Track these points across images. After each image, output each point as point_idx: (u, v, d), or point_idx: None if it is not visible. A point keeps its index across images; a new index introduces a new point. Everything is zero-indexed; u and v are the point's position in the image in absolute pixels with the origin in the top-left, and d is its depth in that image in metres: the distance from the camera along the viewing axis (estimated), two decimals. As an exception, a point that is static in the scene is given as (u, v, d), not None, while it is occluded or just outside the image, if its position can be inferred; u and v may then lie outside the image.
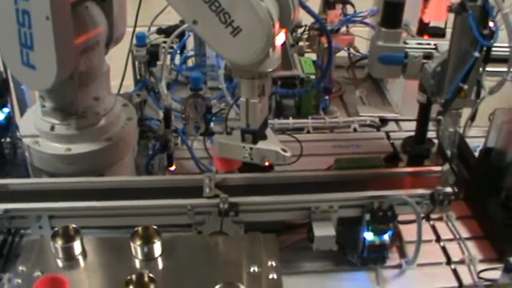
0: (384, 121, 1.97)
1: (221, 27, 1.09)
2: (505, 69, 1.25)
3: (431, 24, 1.82)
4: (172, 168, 1.62)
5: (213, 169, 1.63)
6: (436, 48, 1.33)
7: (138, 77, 2.00)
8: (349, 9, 1.94)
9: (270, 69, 1.17)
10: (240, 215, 1.30)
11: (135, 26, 2.18)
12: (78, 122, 1.39)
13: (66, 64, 1.27)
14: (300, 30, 2.08)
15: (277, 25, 1.10)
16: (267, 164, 1.31)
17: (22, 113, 2.03)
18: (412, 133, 1.81)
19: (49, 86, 1.28)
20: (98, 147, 1.40)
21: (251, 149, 1.27)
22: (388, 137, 1.90)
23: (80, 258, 1.10)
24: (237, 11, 1.08)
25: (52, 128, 1.40)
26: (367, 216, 1.33)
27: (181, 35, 2.03)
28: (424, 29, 1.80)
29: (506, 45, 1.23)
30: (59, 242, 1.09)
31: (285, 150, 1.27)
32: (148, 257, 1.09)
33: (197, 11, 1.10)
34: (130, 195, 1.33)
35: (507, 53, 1.24)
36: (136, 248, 1.08)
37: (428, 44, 1.35)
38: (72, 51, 1.29)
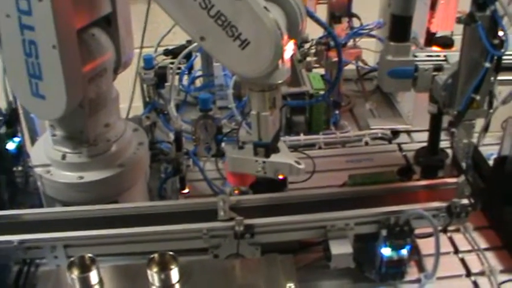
0: (395, 133, 1.96)
1: (229, 41, 1.08)
2: (515, 77, 1.24)
3: (438, 34, 1.81)
4: (186, 190, 1.61)
5: (226, 191, 1.62)
6: (446, 60, 1.32)
7: (147, 99, 2.00)
8: (356, 22, 1.93)
9: (280, 81, 1.15)
10: (255, 236, 1.29)
11: (141, 48, 2.18)
12: (90, 150, 1.39)
13: (75, 92, 1.27)
14: (307, 46, 2.08)
15: (285, 36, 1.09)
16: (280, 177, 1.30)
17: (33, 141, 2.03)
18: (425, 144, 1.80)
19: (59, 115, 1.28)
20: (110, 174, 1.39)
21: (264, 162, 1.25)
22: (401, 149, 1.89)
23: (97, 287, 1.09)
24: (244, 23, 1.06)
25: (63, 157, 1.39)
26: (384, 232, 1.32)
27: (188, 56, 2.02)
28: (431, 39, 1.79)
29: (517, 53, 1.22)
30: (76, 273, 1.08)
31: (298, 163, 1.25)
32: (166, 284, 1.07)
33: (204, 27, 1.09)
34: (145, 221, 1.32)
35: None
36: (153, 275, 1.07)
37: (438, 55, 1.34)
38: (80, 79, 1.29)
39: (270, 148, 1.24)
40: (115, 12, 1.39)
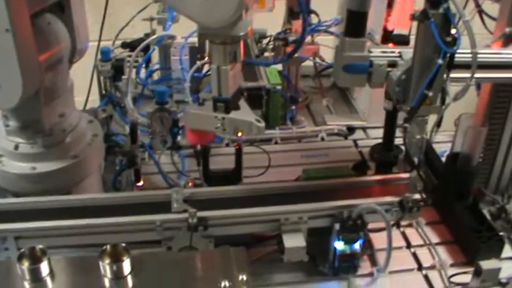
0: (351, 129, 1.98)
1: None
2: (468, 75, 1.25)
3: (395, 32, 1.83)
4: (140, 183, 1.60)
5: (180, 184, 1.62)
6: (400, 56, 1.33)
7: (104, 92, 1.98)
8: (314, 19, 1.93)
9: (242, 33, 1.13)
10: (209, 229, 1.29)
11: (99, 41, 2.16)
12: (45, 140, 1.36)
13: (31, 80, 1.24)
14: (265, 41, 2.08)
15: None
16: (239, 134, 1.27)
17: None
18: (380, 140, 1.82)
19: (14, 105, 1.24)
20: (63, 165, 1.37)
21: (223, 118, 1.23)
22: (356, 145, 1.91)
23: (48, 279, 1.07)
24: None
25: (16, 147, 1.37)
26: (337, 226, 1.33)
27: (146, 49, 2.00)
28: (388, 37, 1.80)
29: (469, 51, 1.24)
30: (26, 264, 1.06)
31: (259, 121, 1.24)
32: (118, 276, 1.06)
33: None
34: (98, 212, 1.30)
35: (470, 59, 1.24)
36: (105, 266, 1.06)
37: (393, 52, 1.35)
38: (37, 66, 1.26)
39: (230, 104, 1.23)
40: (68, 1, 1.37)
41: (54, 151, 1.38)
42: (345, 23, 1.31)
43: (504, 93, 1.52)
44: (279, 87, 1.85)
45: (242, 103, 1.28)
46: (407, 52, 1.32)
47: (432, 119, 1.36)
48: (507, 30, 1.44)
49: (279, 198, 1.38)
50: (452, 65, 1.23)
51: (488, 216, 1.55)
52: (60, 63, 1.37)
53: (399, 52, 1.34)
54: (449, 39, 1.19)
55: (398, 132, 1.75)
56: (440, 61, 1.21)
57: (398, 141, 1.79)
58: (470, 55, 1.24)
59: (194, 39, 1.98)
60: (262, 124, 1.24)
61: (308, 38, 1.96)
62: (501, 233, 1.50)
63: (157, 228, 1.27)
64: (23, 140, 1.37)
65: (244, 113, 1.26)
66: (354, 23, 1.29)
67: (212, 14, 1.07)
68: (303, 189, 1.43)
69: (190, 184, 1.49)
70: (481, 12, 1.57)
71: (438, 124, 1.34)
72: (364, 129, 2.00)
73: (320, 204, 1.34)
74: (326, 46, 2.10)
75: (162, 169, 1.65)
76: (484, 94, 1.54)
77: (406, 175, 1.43)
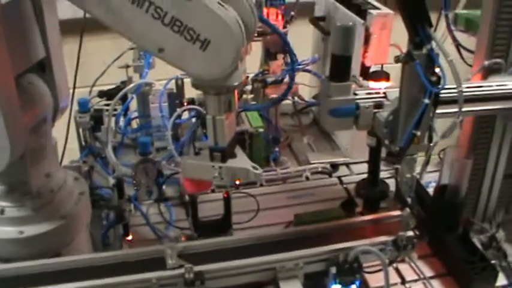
0: (334, 166, 1.98)
1: (189, 45, 1.05)
2: (453, 109, 1.27)
3: (372, 68, 1.85)
4: (129, 237, 1.58)
5: (170, 235, 1.61)
6: (385, 97, 1.35)
7: (84, 143, 1.96)
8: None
9: (236, 83, 1.14)
10: (206, 283, 1.26)
11: (74, 88, 2.15)
12: (34, 202, 1.34)
13: (18, 143, 1.21)
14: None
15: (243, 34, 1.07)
16: (237, 182, 1.29)
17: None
18: (364, 175, 1.83)
19: (1, 169, 1.22)
20: (52, 227, 1.34)
21: (220, 168, 1.24)
22: (341, 182, 1.91)
23: None
24: (201, 23, 1.04)
25: (2, 212, 1.34)
26: (333, 270, 1.32)
27: (123, 97, 1.99)
28: (366, 73, 1.82)
29: (453, 86, 1.25)
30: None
31: (255, 168, 1.24)
32: None
33: (160, 38, 1.06)
34: (92, 273, 1.27)
35: (454, 95, 1.26)
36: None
37: (378, 92, 1.36)
38: (22, 128, 1.23)
39: (227, 153, 1.23)
40: (49, 56, 1.35)
41: (42, 213, 1.34)
42: (329, 67, 1.31)
43: (486, 123, 1.54)
44: (261, 129, 1.85)
45: (238, 150, 1.28)
46: (392, 92, 1.33)
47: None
48: (486, 63, 1.46)
49: (273, 245, 1.37)
50: (437, 103, 1.24)
51: (479, 246, 1.56)
52: (44, 123, 1.35)
53: (384, 93, 1.35)
54: (434, 78, 1.21)
55: (382, 166, 1.76)
56: (426, 100, 1.22)
57: (382, 174, 1.80)
58: (454, 91, 1.26)
59: (172, 86, 1.99)
60: (260, 171, 1.25)
61: (286, 78, 1.97)
62: (494, 262, 1.51)
63: (154, 286, 1.25)
64: (9, 203, 1.34)
65: (241, 161, 1.26)
66: (339, 67, 1.30)
67: (211, 66, 1.07)
68: (296, 235, 1.42)
69: (183, 238, 1.48)
70: (458, 46, 1.60)
71: (427, 162, 1.34)
72: (347, 165, 2.01)
73: (315, 250, 1.33)
74: (304, 84, 2.12)
75: (150, 221, 1.63)
76: (466, 126, 1.56)
77: (397, 213, 1.43)
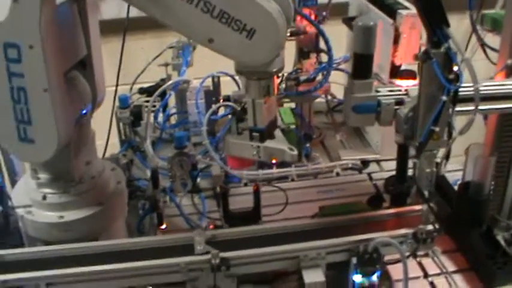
0: (365, 163, 2.02)
1: (236, 34, 1.15)
2: (473, 107, 1.31)
3: (402, 67, 1.89)
4: (163, 226, 1.65)
5: (202, 225, 1.68)
6: (407, 94, 1.39)
7: (124, 137, 2.05)
8: (324, 57, 1.99)
9: (275, 69, 1.25)
10: (231, 269, 1.33)
11: (116, 86, 2.24)
12: (74, 189, 1.43)
13: (64, 134, 1.31)
14: (277, 81, 2.15)
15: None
16: (274, 161, 1.41)
17: (12, 182, 2.07)
18: (393, 172, 1.87)
19: (48, 158, 1.31)
20: (90, 212, 1.43)
21: (258, 147, 1.34)
22: (371, 178, 1.96)
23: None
24: (247, 14, 1.14)
25: (44, 198, 1.43)
26: (354, 260, 1.37)
27: (162, 94, 2.08)
28: (396, 72, 1.86)
29: (471, 84, 1.29)
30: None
31: (292, 149, 1.33)
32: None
33: (210, 29, 1.16)
34: (125, 257, 1.35)
35: (473, 92, 1.30)
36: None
37: (399, 90, 1.41)
38: (69, 120, 1.33)
39: (265, 133, 1.33)
40: (90, 54, 1.44)
41: (81, 199, 1.44)
42: (351, 65, 1.37)
43: (510, 122, 1.57)
44: (293, 126, 1.90)
45: (277, 133, 1.39)
46: (413, 90, 1.38)
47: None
48: (509, 62, 1.49)
49: (297, 235, 1.42)
50: (456, 101, 1.29)
51: (502, 242, 1.59)
52: (85, 116, 1.44)
53: (406, 90, 1.40)
54: (452, 76, 1.25)
55: (410, 164, 1.79)
56: (444, 98, 1.26)
57: (411, 172, 1.84)
58: (472, 89, 1.30)
59: (208, 83, 2.07)
60: (295, 152, 1.33)
61: (319, 76, 2.02)
62: (515, 258, 1.54)
63: (182, 270, 1.32)
64: (54, 190, 1.43)
65: (278, 142, 1.36)
66: (361, 66, 1.36)
67: (255, 54, 1.18)
68: (320, 226, 1.47)
69: (211, 227, 1.55)
70: (483, 45, 1.63)
71: (446, 158, 1.38)
72: (378, 162, 2.05)
73: (336, 240, 1.38)
74: (336, 83, 2.16)
75: (183, 211, 1.70)
76: (491, 124, 1.59)
77: (418, 207, 1.47)
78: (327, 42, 1.60)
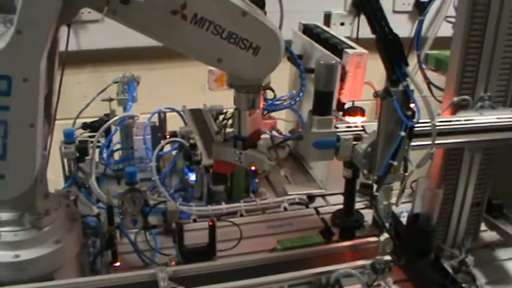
0: (311, 197, 2.06)
1: (243, 52, 1.26)
2: (427, 142, 1.37)
3: (347, 104, 1.95)
4: (117, 264, 1.63)
5: (157, 261, 1.67)
6: (364, 130, 1.45)
7: (68, 173, 2.01)
8: (270, 94, 2.04)
9: (264, 84, 1.42)
10: (197, 304, 1.33)
11: (54, 120, 2.20)
12: (34, 225, 1.40)
13: (37, 168, 1.31)
14: (221, 117, 2.18)
15: None
16: (253, 168, 1.51)
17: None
18: (340, 206, 1.92)
19: (18, 194, 1.30)
20: (47, 251, 1.40)
21: (241, 153, 1.46)
22: (318, 213, 1.99)
23: None
24: (253, 33, 1.25)
25: (-1, 236, 1.39)
26: (316, 292, 1.40)
27: (107, 129, 2.06)
28: (342, 109, 1.92)
29: (426, 121, 1.35)
30: None
31: (270, 160, 1.46)
32: None
33: (219, 50, 1.25)
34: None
35: (428, 128, 1.36)
36: None
37: (357, 126, 1.46)
38: (43, 154, 1.34)
39: (247, 142, 1.46)
40: (51, 89, 1.43)
41: (39, 237, 1.40)
42: (312, 102, 1.41)
43: (455, 155, 1.64)
44: (240, 162, 1.92)
45: (260, 144, 1.51)
46: (370, 125, 1.43)
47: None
48: (455, 99, 1.57)
49: (259, 269, 1.44)
50: (412, 136, 1.34)
51: (450, 270, 1.65)
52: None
53: (362, 126, 1.45)
54: (409, 112, 1.31)
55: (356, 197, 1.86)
56: (402, 133, 1.32)
57: (357, 205, 1.90)
58: (427, 125, 1.36)
59: (154, 118, 2.07)
60: (273, 162, 1.46)
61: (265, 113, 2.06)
62: (464, 285, 1.59)
63: (147, 308, 1.31)
64: (10, 228, 1.38)
65: (259, 151, 1.48)
66: (322, 103, 1.40)
67: (260, 69, 1.32)
68: (280, 259, 1.49)
69: (173, 263, 1.54)
70: (429, 83, 1.71)
71: (402, 191, 1.44)
72: (323, 196, 2.09)
73: (299, 273, 1.41)
74: (281, 119, 2.22)
75: (138, 248, 1.68)
76: (437, 158, 1.65)
77: (374, 239, 1.52)
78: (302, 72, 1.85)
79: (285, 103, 2.04)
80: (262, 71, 1.33)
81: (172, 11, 1.22)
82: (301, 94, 1.98)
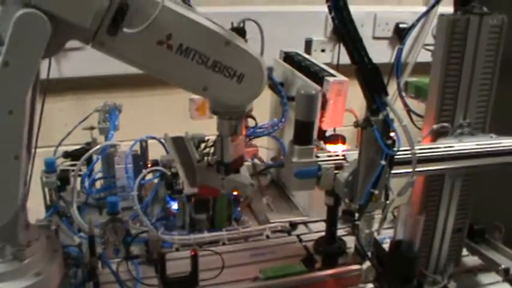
0: (293, 225, 2.05)
1: (227, 81, 1.28)
2: (408, 170, 1.39)
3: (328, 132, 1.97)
4: (99, 295, 1.62)
5: (139, 292, 1.66)
6: (345, 159, 1.45)
7: (49, 203, 2.00)
8: (251, 123, 2.04)
9: (247, 110, 1.43)
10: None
11: (35, 148, 2.19)
12: (20, 255, 1.39)
13: (19, 198, 1.30)
14: (203, 145, 2.17)
15: None
16: (235, 193, 1.62)
17: None
18: (322, 233, 1.92)
19: (1, 225, 1.29)
20: (28, 283, 1.38)
21: (223, 179, 1.49)
22: (300, 240, 1.99)
23: None
24: (237, 61, 1.28)
25: (-21, 269, 1.38)
26: (300, 322, 1.40)
27: (89, 159, 2.05)
28: (323, 137, 1.93)
29: (406, 148, 1.37)
30: None
31: (252, 185, 1.53)
32: None
33: (204, 79, 1.27)
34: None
35: (408, 156, 1.38)
36: None
37: (337, 155, 1.47)
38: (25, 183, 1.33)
39: (230, 167, 1.48)
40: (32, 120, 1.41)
41: (20, 269, 1.39)
42: (293, 132, 1.42)
43: (435, 182, 1.66)
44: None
45: (243, 169, 1.55)
46: (351, 154, 1.44)
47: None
48: (434, 126, 1.58)
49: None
50: (393, 164, 1.35)
51: (433, 297, 1.66)
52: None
53: (343, 155, 1.46)
54: (389, 141, 1.32)
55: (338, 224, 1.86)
56: (383, 162, 1.33)
57: (339, 232, 1.90)
58: (408, 153, 1.38)
59: (137, 148, 2.07)
60: (255, 188, 1.55)
61: (247, 141, 2.07)
62: (446, 311, 1.61)
63: None
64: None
65: (242, 177, 1.52)
66: (302, 132, 1.41)
67: (243, 95, 1.34)
68: (263, 288, 1.49)
69: (154, 293, 1.53)
70: (409, 111, 1.73)
71: (384, 219, 1.44)
72: (305, 223, 2.09)
73: (283, 302, 1.41)
74: (263, 147, 2.22)
75: (120, 278, 1.67)
76: (418, 185, 1.67)
77: (357, 267, 1.52)
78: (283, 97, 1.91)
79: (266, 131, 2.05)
80: (246, 98, 1.35)
81: (158, 41, 1.24)
82: (283, 120, 2.00)
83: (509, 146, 1.59)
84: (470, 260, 1.87)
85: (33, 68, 1.22)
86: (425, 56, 1.96)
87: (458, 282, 1.71)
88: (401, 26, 3.07)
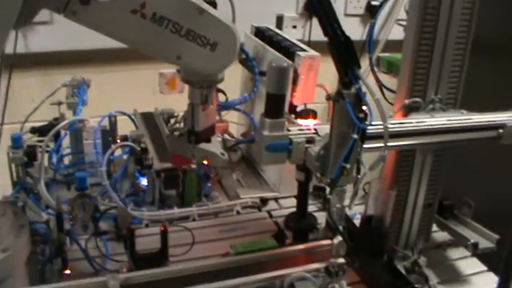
0: (264, 201, 2.05)
1: (201, 49, 1.28)
2: (380, 144, 1.38)
3: (299, 107, 1.95)
4: (68, 271, 1.59)
5: (108, 268, 1.64)
6: (316, 133, 1.44)
7: (16, 179, 1.96)
8: (221, 97, 2.03)
9: (219, 79, 1.42)
10: (150, 312, 1.31)
11: (2, 124, 2.15)
12: None
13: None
14: (173, 120, 2.15)
15: None
16: (205, 162, 1.61)
17: None
18: (292, 209, 1.91)
19: None
20: (-6, 260, 1.36)
21: (194, 147, 1.48)
22: (271, 216, 1.99)
23: None
24: (210, 30, 1.27)
25: None
26: (270, 297, 1.39)
27: (56, 134, 2.02)
28: (294, 112, 1.92)
29: (378, 123, 1.36)
30: None
31: (223, 154, 1.50)
32: None
33: (178, 47, 1.27)
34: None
35: (380, 130, 1.37)
36: None
37: (309, 129, 1.46)
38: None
39: (200, 136, 1.47)
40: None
41: (-16, 246, 1.36)
42: (264, 105, 1.40)
43: (407, 157, 1.66)
44: (193, 166, 1.90)
45: (214, 139, 1.53)
46: (323, 128, 1.43)
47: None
48: (406, 101, 1.58)
49: (211, 275, 1.43)
50: (365, 138, 1.35)
51: (403, 271, 1.66)
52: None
53: (315, 129, 1.45)
54: (361, 115, 1.31)
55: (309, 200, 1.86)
56: (355, 136, 1.32)
57: (310, 208, 1.90)
58: (380, 127, 1.37)
59: (105, 122, 2.04)
60: (226, 157, 1.49)
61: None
62: (417, 286, 1.61)
63: (98, 316, 1.29)
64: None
65: (213, 146, 1.50)
66: (274, 105, 1.39)
67: (217, 64, 1.33)
68: (233, 264, 1.48)
69: (124, 269, 1.51)
70: (381, 86, 1.72)
71: (355, 193, 1.44)
72: (276, 199, 2.08)
73: (252, 277, 1.40)
74: (233, 122, 2.20)
75: (89, 254, 1.65)
76: (389, 160, 1.66)
77: (327, 242, 1.51)
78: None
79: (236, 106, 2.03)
80: (219, 66, 1.35)
81: (132, 10, 1.22)
82: (252, 94, 1.99)
83: (479, 122, 1.59)
84: (439, 235, 1.88)
85: (2, 40, 1.17)
86: (397, 34, 1.95)
87: (428, 257, 1.71)
88: (373, 3, 3.07)
